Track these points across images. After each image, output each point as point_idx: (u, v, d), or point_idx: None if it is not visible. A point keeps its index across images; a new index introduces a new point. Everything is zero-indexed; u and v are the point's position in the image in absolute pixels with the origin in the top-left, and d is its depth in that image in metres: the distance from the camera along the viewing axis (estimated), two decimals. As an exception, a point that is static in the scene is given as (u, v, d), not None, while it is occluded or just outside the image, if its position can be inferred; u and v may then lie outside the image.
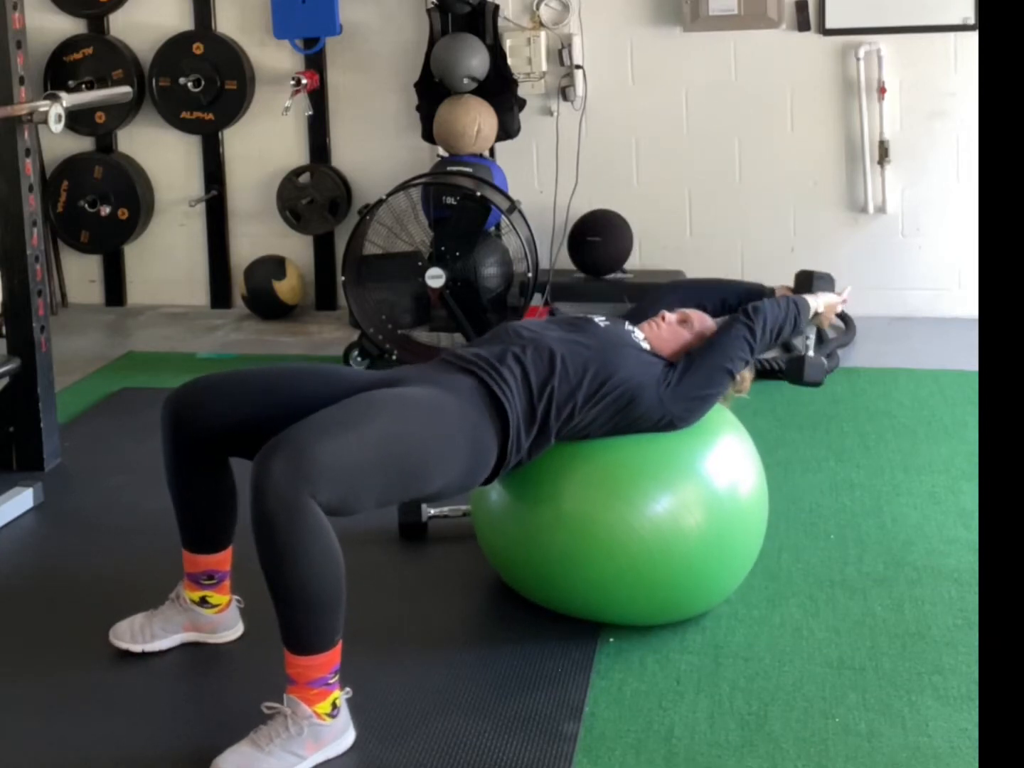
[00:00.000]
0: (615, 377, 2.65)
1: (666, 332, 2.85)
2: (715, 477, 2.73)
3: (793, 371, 3.00)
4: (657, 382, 2.69)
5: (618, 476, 2.70)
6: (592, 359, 2.66)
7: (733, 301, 3.01)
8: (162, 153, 5.87)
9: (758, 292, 3.04)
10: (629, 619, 2.76)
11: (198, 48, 5.68)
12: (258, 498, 2.21)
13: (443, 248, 4.74)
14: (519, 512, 2.78)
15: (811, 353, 3.04)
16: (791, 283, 3.08)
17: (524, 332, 2.74)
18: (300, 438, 2.27)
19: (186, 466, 2.61)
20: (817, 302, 2.98)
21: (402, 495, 2.49)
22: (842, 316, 5.17)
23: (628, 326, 2.86)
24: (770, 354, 4.68)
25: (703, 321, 2.92)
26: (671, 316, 2.90)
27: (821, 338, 4.95)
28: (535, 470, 2.70)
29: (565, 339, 2.71)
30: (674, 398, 2.69)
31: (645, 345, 2.81)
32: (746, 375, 2.90)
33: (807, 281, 3.05)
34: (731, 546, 2.76)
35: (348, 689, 2.37)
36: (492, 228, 4.88)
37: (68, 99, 3.65)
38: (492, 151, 5.38)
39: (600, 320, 2.85)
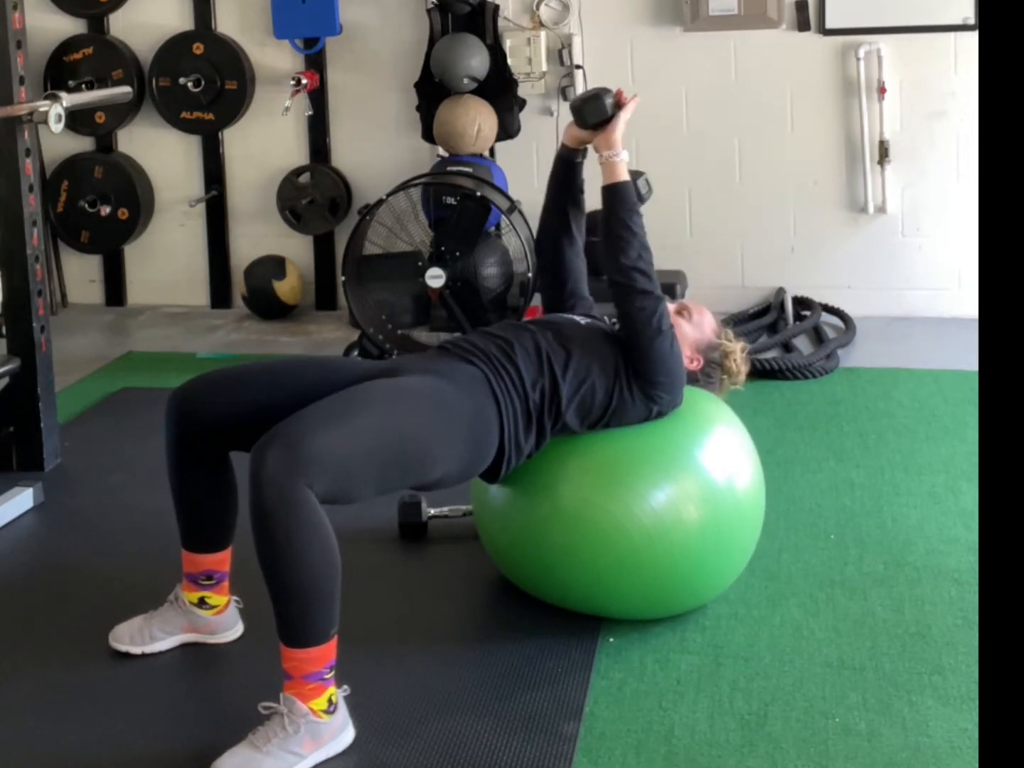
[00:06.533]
0: (598, 383, 2.66)
1: None
2: (713, 468, 2.74)
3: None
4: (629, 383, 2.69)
5: (617, 466, 2.71)
6: (578, 359, 2.66)
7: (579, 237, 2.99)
8: (162, 153, 5.87)
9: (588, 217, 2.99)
10: (627, 611, 2.76)
11: (198, 48, 5.68)
12: (255, 488, 2.23)
13: (443, 248, 4.74)
14: (519, 502, 2.79)
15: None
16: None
17: (516, 331, 2.74)
18: (296, 429, 2.28)
19: (189, 462, 2.62)
20: (615, 151, 2.79)
21: (401, 484, 2.50)
22: (842, 316, 5.19)
23: (613, 320, 2.84)
24: (770, 354, 4.68)
25: (700, 312, 2.92)
26: (669, 307, 2.90)
27: (820, 337, 4.95)
28: (534, 460, 2.71)
29: (552, 339, 2.70)
30: (642, 390, 2.68)
31: None
32: (742, 367, 2.91)
33: (581, 112, 2.87)
34: (729, 537, 2.76)
35: (346, 687, 2.37)
36: (492, 228, 4.88)
37: (68, 99, 3.65)
38: (492, 151, 5.38)
39: (581, 319, 2.83)
